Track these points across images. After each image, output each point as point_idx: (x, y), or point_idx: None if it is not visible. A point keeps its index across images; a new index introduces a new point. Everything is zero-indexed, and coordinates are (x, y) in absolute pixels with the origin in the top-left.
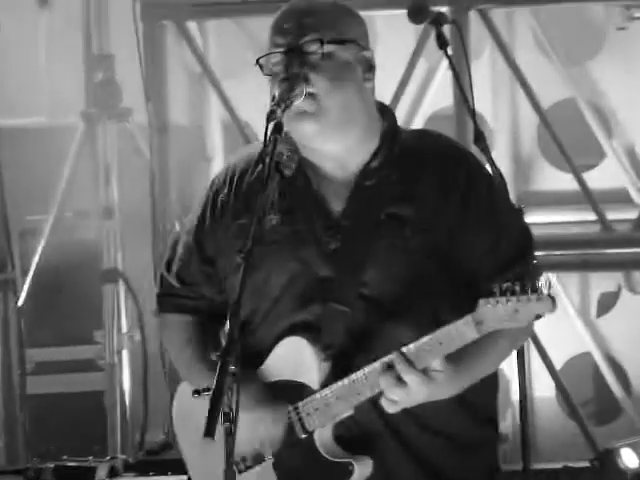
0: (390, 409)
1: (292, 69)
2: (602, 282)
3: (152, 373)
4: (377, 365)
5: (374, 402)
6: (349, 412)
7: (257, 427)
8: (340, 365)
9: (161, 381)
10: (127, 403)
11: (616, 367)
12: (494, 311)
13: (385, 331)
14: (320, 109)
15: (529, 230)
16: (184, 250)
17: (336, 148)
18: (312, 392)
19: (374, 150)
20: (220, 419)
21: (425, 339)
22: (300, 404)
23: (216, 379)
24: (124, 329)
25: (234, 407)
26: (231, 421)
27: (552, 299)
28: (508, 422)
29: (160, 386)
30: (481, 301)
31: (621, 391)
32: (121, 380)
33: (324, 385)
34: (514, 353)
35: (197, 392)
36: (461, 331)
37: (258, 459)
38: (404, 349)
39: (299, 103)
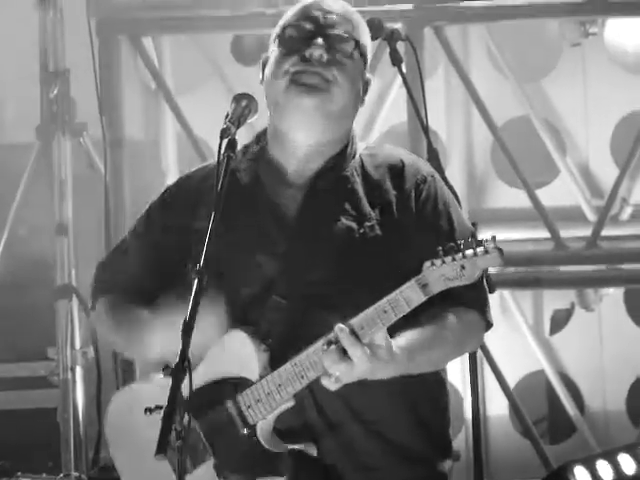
0: (332, 387)
1: (323, 52)
2: (555, 299)
3: (106, 389)
4: (320, 342)
5: (316, 399)
6: (290, 402)
7: None
8: (278, 355)
9: None
10: (80, 420)
11: (570, 385)
12: (439, 271)
13: (325, 322)
14: (329, 92)
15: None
16: (123, 248)
17: (315, 137)
18: (252, 384)
19: (332, 155)
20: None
21: (370, 309)
22: (239, 397)
23: (168, 398)
24: (77, 345)
25: (186, 425)
26: (182, 438)
27: (499, 251)
28: (461, 440)
29: None
30: (426, 263)
31: (575, 409)
32: (74, 396)
33: (263, 376)
34: (466, 367)
35: (149, 410)
36: (406, 295)
37: (198, 460)
38: (348, 322)
39: (310, 80)
